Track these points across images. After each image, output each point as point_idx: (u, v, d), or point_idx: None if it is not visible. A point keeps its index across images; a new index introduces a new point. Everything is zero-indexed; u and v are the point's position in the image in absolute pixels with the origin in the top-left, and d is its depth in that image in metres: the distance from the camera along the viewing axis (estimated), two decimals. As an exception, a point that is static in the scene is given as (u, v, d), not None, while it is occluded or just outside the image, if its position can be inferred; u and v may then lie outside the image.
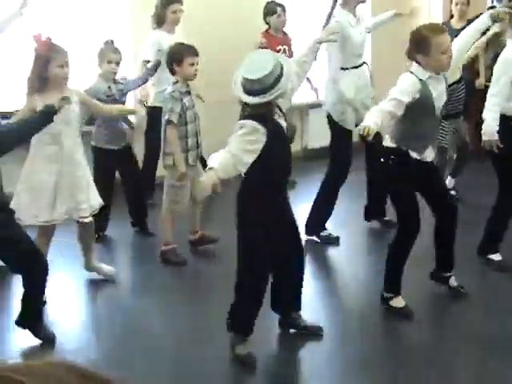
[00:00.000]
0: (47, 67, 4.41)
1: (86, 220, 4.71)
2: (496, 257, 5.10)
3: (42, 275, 3.99)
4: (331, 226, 5.78)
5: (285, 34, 6.98)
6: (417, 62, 4.15)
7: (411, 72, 4.15)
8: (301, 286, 4.10)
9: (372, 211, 6.02)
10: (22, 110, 4.58)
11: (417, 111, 4.12)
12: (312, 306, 4.46)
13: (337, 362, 3.98)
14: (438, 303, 4.71)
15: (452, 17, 6.94)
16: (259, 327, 4.06)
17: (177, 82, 5.15)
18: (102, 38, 5.74)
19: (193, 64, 5.11)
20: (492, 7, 8.04)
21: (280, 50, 6.67)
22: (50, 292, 4.35)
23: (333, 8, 5.25)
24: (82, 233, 4.90)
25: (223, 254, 5.39)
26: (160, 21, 6.12)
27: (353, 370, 3.85)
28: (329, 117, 5.61)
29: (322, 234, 5.68)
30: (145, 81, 5.90)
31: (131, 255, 5.81)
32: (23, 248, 3.90)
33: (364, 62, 5.61)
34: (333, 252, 5.63)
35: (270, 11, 6.87)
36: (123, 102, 5.57)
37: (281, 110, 3.76)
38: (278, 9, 6.85)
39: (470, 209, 5.82)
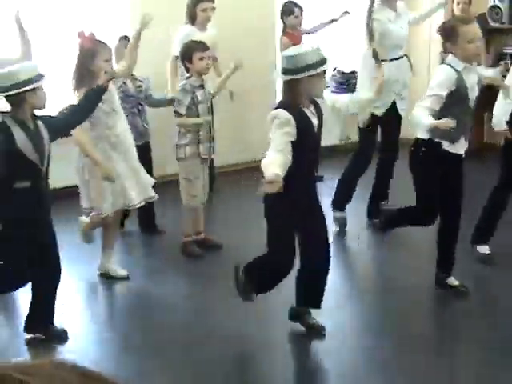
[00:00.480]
0: (93, 60, 4.59)
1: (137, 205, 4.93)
2: (483, 249, 5.08)
3: (56, 280, 4.03)
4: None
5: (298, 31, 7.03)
6: (452, 53, 4.22)
7: (447, 64, 4.23)
8: (318, 287, 4.08)
9: (375, 211, 6.03)
10: None
11: (452, 101, 4.18)
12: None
13: (336, 361, 3.98)
14: (438, 303, 4.71)
15: (454, 16, 6.94)
16: (261, 327, 4.07)
17: (191, 77, 5.22)
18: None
19: (202, 58, 5.18)
20: (494, 6, 8.06)
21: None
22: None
23: (371, 6, 5.41)
24: (114, 221, 4.99)
25: (225, 254, 5.39)
26: (192, 18, 6.20)
27: (353, 370, 3.86)
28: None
29: (336, 214, 5.71)
30: (169, 103, 5.92)
31: (132, 253, 5.80)
32: (51, 252, 3.95)
33: (405, 55, 5.75)
34: (333, 250, 5.62)
35: (287, 11, 6.90)
36: (140, 99, 5.58)
37: (320, 112, 3.87)
38: (296, 9, 6.87)
39: (470, 208, 5.81)
